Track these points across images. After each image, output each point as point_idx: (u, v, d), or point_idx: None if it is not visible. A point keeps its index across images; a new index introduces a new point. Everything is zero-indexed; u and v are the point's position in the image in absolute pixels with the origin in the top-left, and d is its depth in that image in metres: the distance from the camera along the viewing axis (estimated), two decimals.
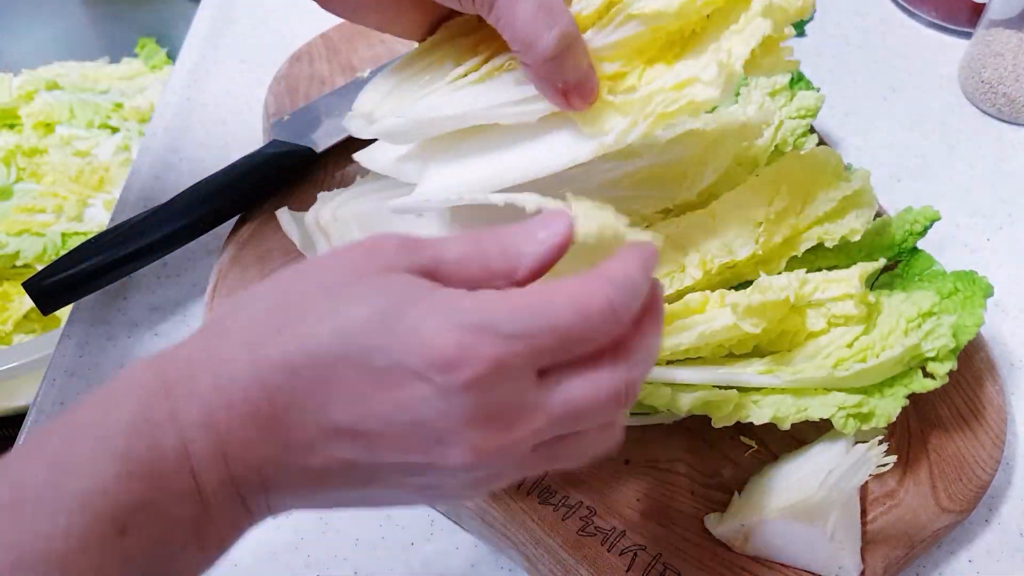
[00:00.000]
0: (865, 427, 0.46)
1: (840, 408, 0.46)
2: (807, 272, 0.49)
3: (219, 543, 0.32)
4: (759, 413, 0.46)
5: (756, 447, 0.51)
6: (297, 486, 0.33)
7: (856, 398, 0.46)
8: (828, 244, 0.50)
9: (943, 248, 0.65)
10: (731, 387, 0.47)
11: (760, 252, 0.50)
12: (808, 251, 0.51)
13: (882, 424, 0.46)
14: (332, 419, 0.32)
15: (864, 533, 0.48)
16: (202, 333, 0.34)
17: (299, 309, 0.33)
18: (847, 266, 0.52)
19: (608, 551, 0.47)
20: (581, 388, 0.32)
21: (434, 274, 0.33)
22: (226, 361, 0.32)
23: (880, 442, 0.47)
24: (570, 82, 0.43)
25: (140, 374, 0.32)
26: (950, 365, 0.47)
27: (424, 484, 0.34)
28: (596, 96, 0.44)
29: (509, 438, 0.32)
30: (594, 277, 0.33)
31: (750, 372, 0.47)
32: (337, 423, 0.32)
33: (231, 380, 0.32)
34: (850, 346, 0.47)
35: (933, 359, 0.47)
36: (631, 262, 0.34)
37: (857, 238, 0.50)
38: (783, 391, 0.47)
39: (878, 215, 0.56)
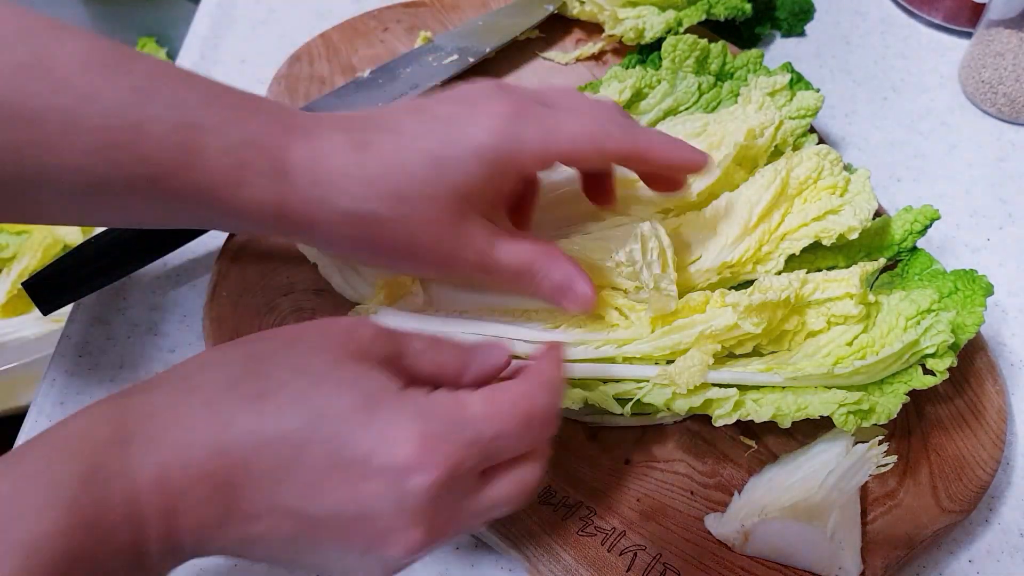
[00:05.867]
0: (865, 424, 0.46)
1: (840, 405, 0.46)
2: (807, 272, 0.49)
3: None
4: (759, 411, 0.46)
5: (756, 447, 0.51)
6: (230, 545, 0.34)
7: (856, 395, 0.46)
8: (825, 242, 0.50)
9: (943, 248, 0.65)
10: (731, 386, 0.47)
11: (758, 249, 0.50)
12: (807, 251, 0.51)
13: (883, 420, 0.46)
14: (282, 498, 0.33)
15: (864, 533, 0.48)
16: (166, 385, 0.35)
17: (274, 382, 0.34)
18: (847, 266, 0.52)
19: (608, 551, 0.47)
20: (510, 484, 0.37)
21: (398, 361, 0.37)
22: (190, 422, 0.33)
23: (880, 442, 0.47)
24: (558, 290, 0.46)
25: (97, 419, 0.33)
26: (950, 361, 0.47)
27: (347, 566, 0.36)
28: (592, 299, 0.46)
29: (444, 534, 0.35)
30: (531, 384, 0.37)
31: (750, 371, 0.47)
32: (287, 503, 0.33)
33: (192, 443, 0.33)
34: (850, 344, 0.47)
35: (932, 355, 0.47)
36: (555, 364, 0.39)
37: (855, 236, 0.50)
38: (783, 389, 0.47)
39: (878, 215, 0.56)
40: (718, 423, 0.47)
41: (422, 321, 0.49)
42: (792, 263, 0.51)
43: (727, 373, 0.47)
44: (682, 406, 0.47)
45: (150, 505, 0.32)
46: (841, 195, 0.51)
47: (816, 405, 0.46)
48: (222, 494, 0.33)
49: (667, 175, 0.48)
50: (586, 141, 0.44)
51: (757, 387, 0.47)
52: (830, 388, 0.47)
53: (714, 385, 0.47)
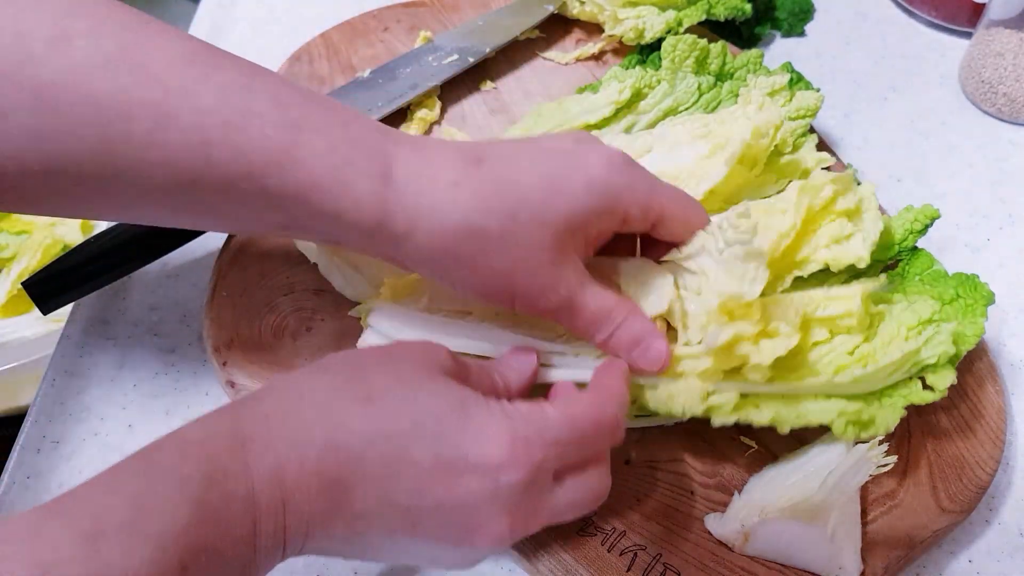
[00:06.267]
0: (864, 435, 0.46)
1: (840, 414, 0.46)
2: (811, 288, 0.49)
3: None
4: (759, 415, 0.46)
5: (756, 447, 0.51)
6: (334, 540, 0.37)
7: (856, 405, 0.46)
8: (835, 269, 0.50)
9: (943, 248, 0.65)
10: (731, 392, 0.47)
11: (774, 277, 0.49)
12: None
13: (881, 433, 0.46)
14: (390, 493, 0.36)
15: (864, 533, 0.48)
16: (275, 393, 0.38)
17: (378, 388, 0.37)
18: (850, 274, 0.52)
19: (608, 551, 0.47)
20: (581, 487, 0.40)
21: (464, 380, 0.40)
22: (303, 422, 0.36)
23: (880, 442, 0.47)
24: (634, 343, 0.45)
25: (214, 427, 0.36)
26: (950, 379, 0.47)
27: (436, 555, 0.39)
28: (667, 359, 0.46)
29: (525, 528, 0.39)
30: (601, 395, 0.42)
31: (750, 380, 0.47)
32: (394, 497, 0.36)
33: (307, 441, 0.36)
34: (851, 354, 0.46)
35: (933, 366, 0.47)
36: (620, 379, 0.43)
37: (863, 265, 0.50)
38: (783, 397, 0.47)
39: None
40: (717, 424, 0.47)
41: (425, 322, 0.48)
42: (797, 283, 0.50)
43: (726, 382, 0.46)
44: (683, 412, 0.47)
45: (265, 500, 0.34)
46: (852, 219, 0.51)
47: (815, 413, 0.46)
48: (332, 490, 0.36)
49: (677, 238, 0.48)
50: (679, 204, 0.46)
51: (757, 394, 0.47)
52: (830, 397, 0.46)
53: (713, 393, 0.47)
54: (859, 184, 0.53)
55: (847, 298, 0.47)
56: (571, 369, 0.47)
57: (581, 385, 0.45)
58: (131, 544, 0.30)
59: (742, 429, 0.50)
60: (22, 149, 0.37)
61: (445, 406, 0.37)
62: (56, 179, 0.38)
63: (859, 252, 0.50)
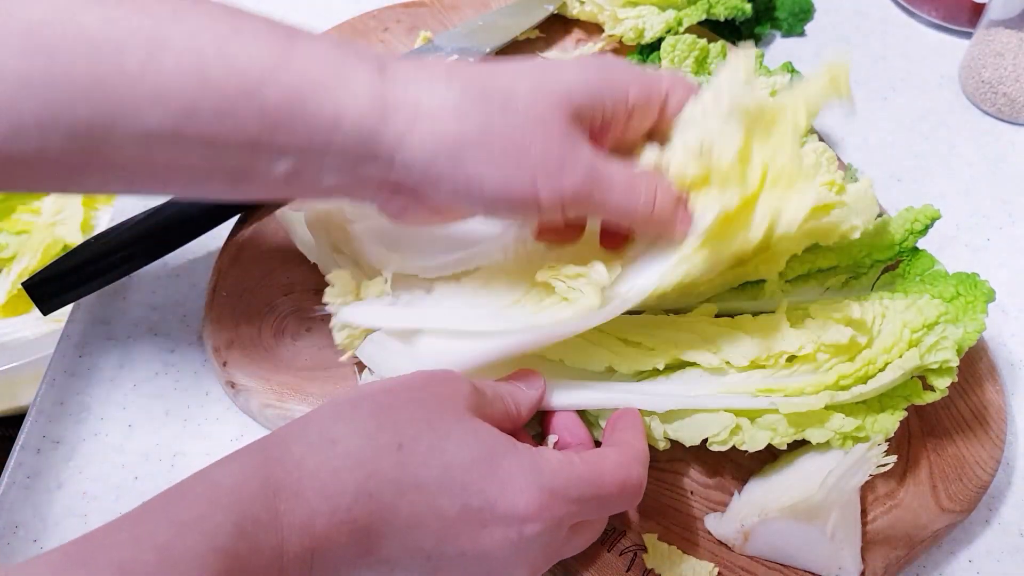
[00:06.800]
0: (864, 442, 0.46)
1: (838, 433, 0.46)
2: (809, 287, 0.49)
3: None
4: (756, 437, 0.46)
5: None
6: None
7: (854, 422, 0.46)
8: (825, 242, 0.50)
9: (943, 248, 0.65)
10: (727, 411, 0.46)
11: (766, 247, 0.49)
12: (808, 251, 0.51)
13: (881, 439, 0.46)
14: (417, 541, 0.37)
15: (864, 533, 0.48)
16: (304, 439, 0.37)
17: (409, 435, 0.37)
18: (848, 266, 0.52)
19: (608, 551, 0.47)
20: (586, 536, 0.43)
21: (483, 408, 0.41)
22: (335, 471, 0.36)
23: (880, 442, 0.47)
24: (667, 221, 0.44)
25: (245, 473, 0.35)
26: (951, 379, 0.47)
27: None
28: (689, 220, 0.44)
29: (537, 573, 0.40)
30: (626, 455, 0.41)
31: (747, 395, 0.46)
32: (421, 545, 0.37)
33: (340, 491, 0.36)
34: (852, 360, 0.46)
35: (935, 371, 0.47)
36: (640, 435, 0.44)
37: (857, 235, 0.50)
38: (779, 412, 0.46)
39: (878, 215, 0.56)
40: (713, 448, 0.46)
41: (390, 310, 0.48)
42: (793, 263, 0.51)
43: (723, 399, 0.46)
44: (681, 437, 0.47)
45: (293, 550, 0.34)
46: (838, 192, 0.51)
47: (813, 432, 0.46)
48: (362, 538, 0.36)
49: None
50: (681, 82, 0.44)
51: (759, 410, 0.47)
52: (828, 410, 0.46)
53: (708, 411, 0.46)
54: (857, 182, 0.53)
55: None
56: (569, 392, 0.47)
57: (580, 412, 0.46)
58: None
59: None
60: (14, 99, 0.35)
61: (473, 454, 0.38)
62: (50, 136, 0.37)
63: (852, 221, 0.49)
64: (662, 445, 0.47)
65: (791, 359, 0.47)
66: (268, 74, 0.38)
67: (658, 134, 0.46)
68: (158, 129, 0.37)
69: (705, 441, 0.46)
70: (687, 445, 0.46)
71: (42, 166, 0.38)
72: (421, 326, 0.47)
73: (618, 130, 0.44)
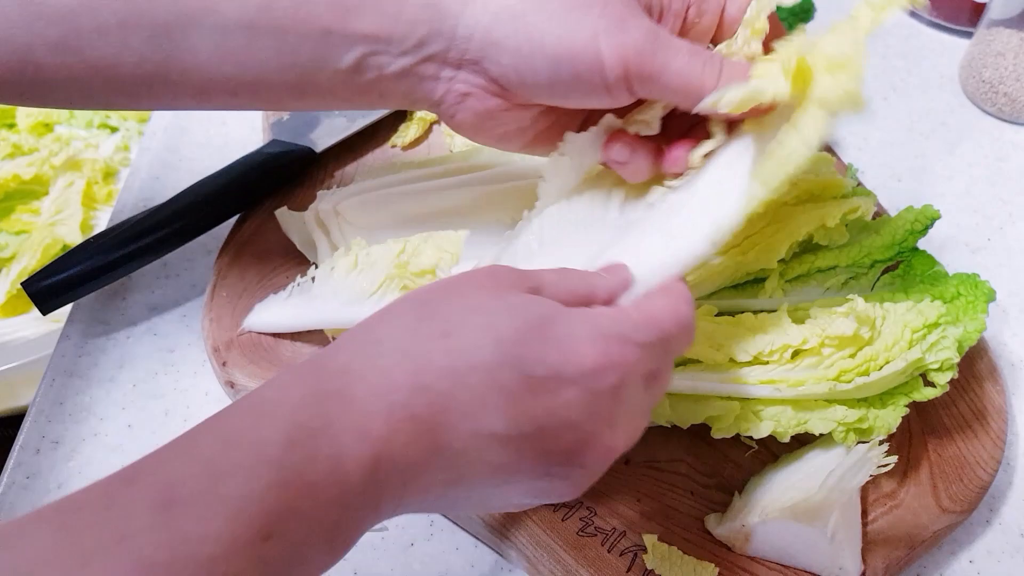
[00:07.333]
0: (865, 439, 0.46)
1: (840, 424, 0.46)
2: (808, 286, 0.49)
3: (347, 544, 0.33)
4: (759, 426, 0.46)
5: (756, 447, 0.51)
6: (433, 488, 0.34)
7: (856, 413, 0.46)
8: (830, 223, 0.50)
9: (943, 248, 0.65)
10: (732, 398, 0.47)
11: (771, 232, 0.49)
12: (808, 250, 0.51)
13: (882, 435, 0.46)
14: (486, 424, 0.34)
15: (865, 534, 0.48)
16: (350, 343, 0.35)
17: (453, 322, 0.35)
18: (848, 267, 0.52)
19: (608, 551, 0.47)
20: (656, 395, 0.39)
21: (539, 294, 0.38)
22: (385, 368, 0.33)
23: (880, 443, 0.47)
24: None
25: (289, 384, 0.33)
26: (951, 374, 0.47)
27: (545, 487, 0.36)
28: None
29: (629, 436, 0.37)
30: (672, 298, 0.39)
31: (752, 382, 0.47)
32: (492, 428, 0.34)
33: (390, 388, 0.33)
34: (853, 356, 0.46)
35: (936, 370, 0.47)
36: (683, 284, 0.41)
37: (856, 215, 0.50)
38: (783, 402, 0.47)
39: (878, 215, 0.56)
40: (717, 435, 0.46)
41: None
42: (793, 263, 0.51)
43: (730, 386, 0.47)
44: (684, 420, 0.47)
45: (353, 457, 0.32)
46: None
47: (816, 422, 0.46)
48: (426, 434, 0.33)
49: None
50: None
51: (758, 399, 0.47)
52: (831, 402, 0.46)
53: (715, 397, 0.47)
54: (859, 184, 0.53)
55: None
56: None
57: None
58: (207, 512, 0.28)
59: None
60: None
61: (525, 324, 0.35)
62: (129, 39, 0.38)
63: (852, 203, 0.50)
64: (663, 421, 0.47)
65: (795, 354, 0.47)
66: None
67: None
68: (236, 23, 0.39)
69: (708, 433, 0.46)
70: (686, 426, 0.46)
71: (119, 73, 0.40)
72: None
73: (676, 23, 0.44)
